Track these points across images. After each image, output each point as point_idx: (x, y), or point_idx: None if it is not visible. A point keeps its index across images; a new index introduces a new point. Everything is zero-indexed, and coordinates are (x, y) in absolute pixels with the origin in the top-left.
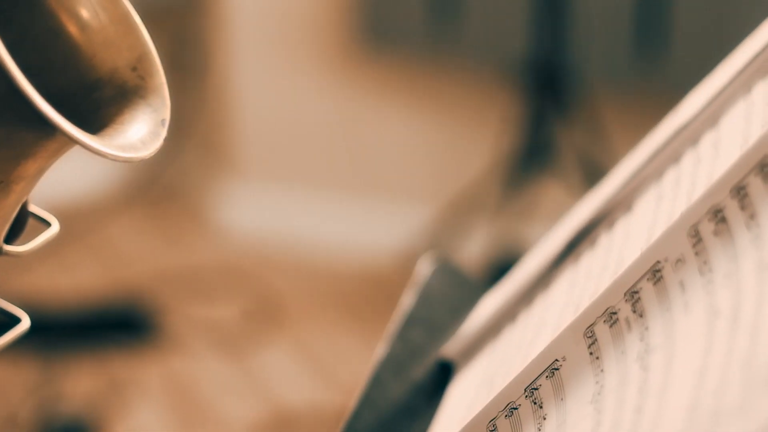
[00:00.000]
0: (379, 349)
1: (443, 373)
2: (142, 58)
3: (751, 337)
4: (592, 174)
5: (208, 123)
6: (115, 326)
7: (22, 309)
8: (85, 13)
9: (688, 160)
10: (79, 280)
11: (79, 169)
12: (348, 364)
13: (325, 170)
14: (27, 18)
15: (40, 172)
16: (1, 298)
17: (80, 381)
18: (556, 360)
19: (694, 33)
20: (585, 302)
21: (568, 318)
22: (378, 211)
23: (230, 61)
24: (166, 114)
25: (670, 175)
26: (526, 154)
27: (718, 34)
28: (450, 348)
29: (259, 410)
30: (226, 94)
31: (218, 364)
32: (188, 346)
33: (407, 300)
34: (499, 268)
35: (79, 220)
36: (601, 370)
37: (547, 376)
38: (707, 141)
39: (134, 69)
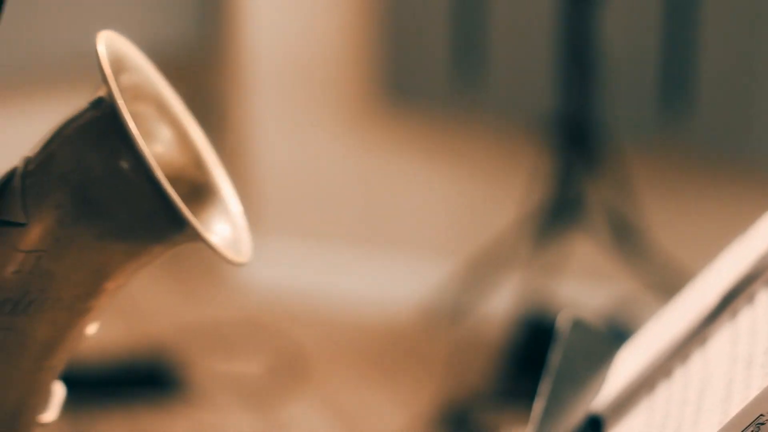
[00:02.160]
0: (536, 408)
1: (593, 428)
2: (200, 156)
3: None
4: (620, 229)
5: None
6: (141, 381)
7: None
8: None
9: None
10: (103, 336)
11: None
12: (374, 417)
13: (346, 224)
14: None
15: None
16: None
17: None
18: (761, 415)
19: (719, 90)
20: (758, 359)
21: (741, 373)
22: (401, 265)
23: (249, 115)
24: (239, 208)
25: None
26: (554, 210)
27: (743, 92)
28: (598, 403)
29: None
30: (245, 149)
31: (246, 418)
32: (215, 400)
33: (554, 357)
34: (527, 324)
35: None
36: None
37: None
38: None
39: (198, 167)
